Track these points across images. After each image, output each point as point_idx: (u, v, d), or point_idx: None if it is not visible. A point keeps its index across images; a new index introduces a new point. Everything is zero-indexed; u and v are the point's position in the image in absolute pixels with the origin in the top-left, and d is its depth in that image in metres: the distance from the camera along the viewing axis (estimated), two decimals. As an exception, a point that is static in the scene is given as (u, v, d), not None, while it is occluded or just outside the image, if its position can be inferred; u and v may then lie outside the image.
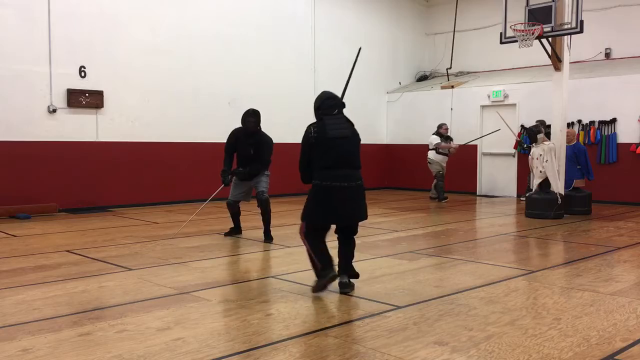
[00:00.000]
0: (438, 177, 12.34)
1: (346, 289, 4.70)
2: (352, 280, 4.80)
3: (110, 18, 10.43)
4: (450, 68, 15.20)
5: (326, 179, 4.62)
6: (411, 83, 16.15)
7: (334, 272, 4.62)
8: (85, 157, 10.19)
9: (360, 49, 5.89)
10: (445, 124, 12.75)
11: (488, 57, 14.75)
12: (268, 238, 7.27)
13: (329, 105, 4.82)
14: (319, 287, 4.62)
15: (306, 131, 4.75)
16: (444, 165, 12.43)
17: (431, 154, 12.43)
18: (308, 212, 4.71)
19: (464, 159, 13.77)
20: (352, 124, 4.91)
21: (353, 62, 5.60)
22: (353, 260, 4.86)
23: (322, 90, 5.09)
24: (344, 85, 5.80)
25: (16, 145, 9.46)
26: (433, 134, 12.61)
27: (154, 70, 10.97)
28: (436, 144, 12.34)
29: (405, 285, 5.00)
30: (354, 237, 4.88)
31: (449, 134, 12.79)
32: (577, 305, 4.34)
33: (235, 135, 7.48)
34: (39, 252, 6.43)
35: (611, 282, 5.12)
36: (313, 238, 4.71)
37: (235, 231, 7.76)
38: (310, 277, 5.24)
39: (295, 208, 10.75)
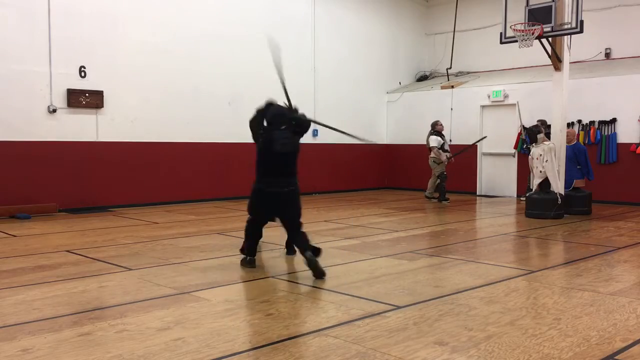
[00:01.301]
0: (442, 178, 12.23)
1: (312, 267, 5.22)
2: (315, 256, 5.32)
3: (110, 18, 10.42)
4: (450, 68, 15.20)
5: (263, 183, 5.53)
6: (411, 83, 16.15)
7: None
8: (85, 157, 10.19)
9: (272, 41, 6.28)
10: (439, 121, 12.58)
11: (488, 57, 14.75)
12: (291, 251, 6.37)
13: (278, 122, 5.64)
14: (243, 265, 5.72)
15: (259, 134, 5.65)
16: (446, 164, 12.42)
17: (433, 154, 12.34)
18: (250, 207, 5.80)
19: (464, 159, 13.77)
20: (296, 138, 5.68)
21: (278, 66, 6.38)
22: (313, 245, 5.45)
23: (272, 103, 5.89)
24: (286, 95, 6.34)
25: (16, 145, 9.46)
26: (431, 133, 12.47)
27: (154, 70, 10.97)
28: (432, 147, 12.23)
29: (405, 285, 5.00)
30: (298, 228, 5.59)
31: (443, 132, 12.65)
32: (577, 305, 4.34)
33: None
34: (39, 252, 6.43)
35: (611, 282, 5.12)
36: (252, 227, 5.79)
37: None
38: (310, 277, 5.25)
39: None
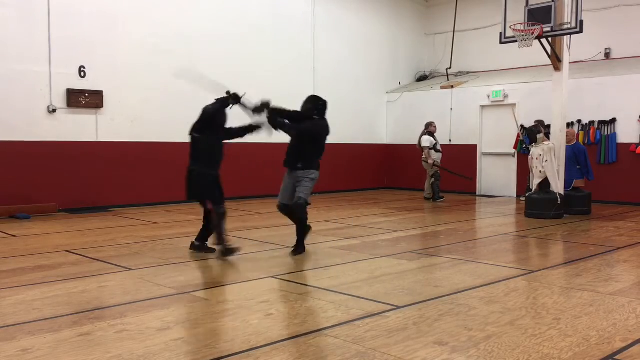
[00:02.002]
0: (436, 177, 12.34)
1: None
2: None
3: (110, 18, 10.42)
4: (450, 68, 15.19)
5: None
6: (411, 83, 16.15)
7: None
8: (85, 157, 10.18)
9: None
10: (433, 122, 12.65)
11: (488, 57, 14.75)
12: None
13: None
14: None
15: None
16: (439, 163, 12.46)
17: (431, 153, 12.39)
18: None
19: (464, 159, 13.77)
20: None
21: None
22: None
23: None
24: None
25: (16, 145, 9.46)
26: (423, 134, 12.53)
27: (154, 70, 10.97)
28: (424, 147, 12.29)
29: (405, 285, 5.00)
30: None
31: (435, 133, 12.70)
32: (577, 305, 4.34)
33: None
34: (39, 252, 6.43)
35: (611, 282, 5.12)
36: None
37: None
38: (310, 277, 5.25)
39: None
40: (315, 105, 6.55)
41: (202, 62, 11.69)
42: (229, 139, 6.68)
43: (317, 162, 6.47)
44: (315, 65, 13.74)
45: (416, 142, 12.98)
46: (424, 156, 12.40)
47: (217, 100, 6.48)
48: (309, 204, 6.43)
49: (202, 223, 6.57)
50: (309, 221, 6.49)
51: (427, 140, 12.32)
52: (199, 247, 6.49)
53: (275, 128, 6.44)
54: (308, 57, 13.61)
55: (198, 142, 6.39)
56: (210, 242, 6.40)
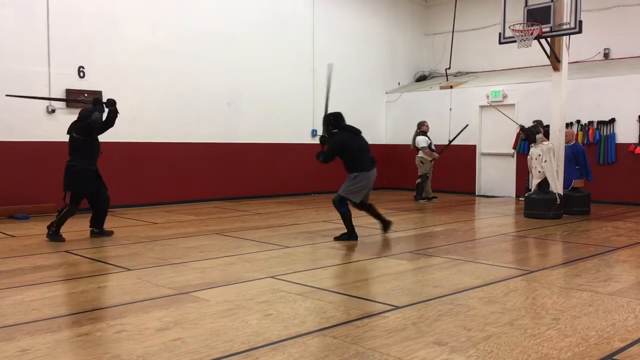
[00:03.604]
0: (423, 179, 12.36)
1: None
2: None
3: (109, 18, 10.42)
4: (449, 68, 15.20)
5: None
6: (410, 83, 16.15)
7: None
8: (84, 157, 10.17)
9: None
10: (426, 122, 12.66)
11: (487, 57, 14.76)
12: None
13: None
14: None
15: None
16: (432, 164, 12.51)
17: (422, 154, 12.43)
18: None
19: (463, 159, 13.78)
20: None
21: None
22: None
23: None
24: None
25: (15, 146, 9.46)
26: (417, 134, 12.55)
27: (154, 70, 10.97)
28: (422, 147, 12.33)
29: (404, 285, 5.00)
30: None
31: (428, 133, 12.74)
32: (576, 306, 4.35)
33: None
34: (38, 252, 6.43)
35: (610, 282, 5.13)
36: None
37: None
38: (309, 277, 5.25)
39: (296, 208, 10.77)
40: (328, 123, 7.41)
41: (202, 62, 11.71)
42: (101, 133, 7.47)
43: (359, 162, 7.29)
44: (314, 65, 13.74)
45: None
46: (421, 155, 12.41)
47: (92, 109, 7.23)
48: (353, 202, 7.23)
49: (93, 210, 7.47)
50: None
51: (424, 141, 12.37)
52: (98, 233, 7.43)
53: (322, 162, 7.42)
54: (307, 57, 13.62)
55: (78, 142, 7.21)
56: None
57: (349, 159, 7.28)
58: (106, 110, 7.26)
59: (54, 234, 7.13)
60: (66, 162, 7.20)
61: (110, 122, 7.39)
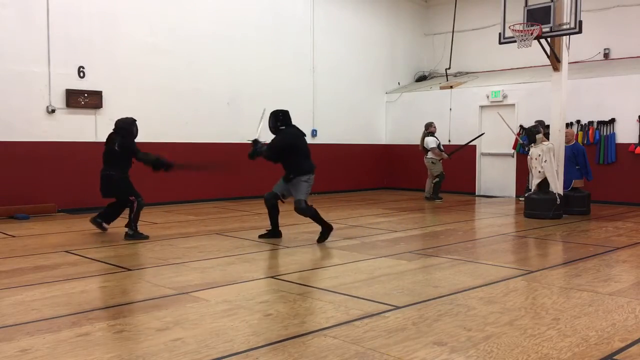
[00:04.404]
0: (441, 177, 12.39)
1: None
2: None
3: (109, 18, 10.42)
4: (449, 68, 15.19)
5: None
6: (410, 83, 16.15)
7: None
8: (84, 157, 10.16)
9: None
10: (433, 123, 12.71)
11: (487, 57, 14.76)
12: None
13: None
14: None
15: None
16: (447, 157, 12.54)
17: (432, 155, 12.44)
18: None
19: (463, 159, 13.77)
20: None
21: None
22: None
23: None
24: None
25: (15, 146, 9.46)
26: (425, 135, 12.57)
27: (153, 70, 10.97)
28: (432, 148, 12.36)
29: (404, 285, 5.00)
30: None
31: (436, 133, 12.77)
32: (576, 306, 4.35)
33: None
34: (38, 252, 6.43)
35: (610, 282, 5.13)
36: None
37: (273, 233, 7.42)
38: (309, 277, 5.25)
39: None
40: (276, 119, 7.15)
41: (202, 62, 11.71)
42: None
43: (306, 164, 7.08)
44: (314, 65, 13.74)
45: (416, 142, 13.02)
46: (431, 155, 12.42)
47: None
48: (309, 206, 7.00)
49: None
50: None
51: (433, 142, 12.42)
52: (103, 227, 7.76)
53: (255, 158, 7.24)
54: (307, 58, 13.62)
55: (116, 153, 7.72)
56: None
57: (298, 158, 7.04)
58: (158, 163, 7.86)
59: (135, 233, 7.34)
60: (108, 172, 7.58)
61: (151, 165, 7.87)
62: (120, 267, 5.70)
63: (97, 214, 7.83)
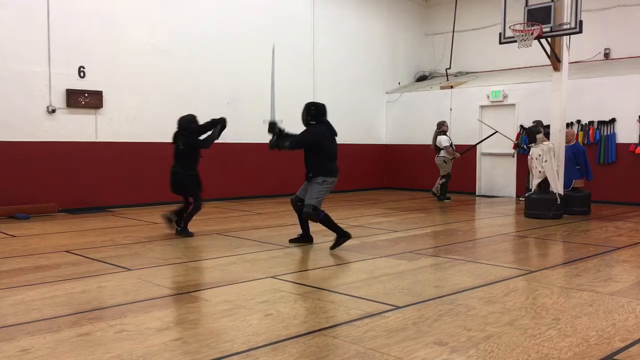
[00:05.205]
0: (447, 177, 12.39)
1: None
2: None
3: (110, 18, 10.42)
4: (449, 68, 15.20)
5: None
6: (410, 83, 16.15)
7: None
8: (85, 157, 10.18)
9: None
10: (445, 122, 12.74)
11: (487, 57, 14.76)
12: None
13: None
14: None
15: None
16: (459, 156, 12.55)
17: (445, 154, 12.40)
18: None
19: (464, 159, 13.75)
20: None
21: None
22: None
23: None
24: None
25: (15, 146, 9.46)
26: (438, 134, 12.54)
27: (153, 70, 10.97)
28: (445, 147, 12.33)
29: (405, 285, 5.00)
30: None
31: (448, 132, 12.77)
32: (576, 305, 4.34)
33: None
34: (38, 252, 6.43)
35: (610, 282, 5.12)
36: None
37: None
38: (309, 277, 5.25)
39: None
40: (308, 112, 6.74)
41: (202, 62, 11.71)
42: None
43: (328, 166, 6.61)
44: (314, 65, 13.74)
45: (416, 142, 13.01)
46: (444, 154, 12.39)
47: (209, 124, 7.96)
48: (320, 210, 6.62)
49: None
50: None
51: (446, 140, 12.38)
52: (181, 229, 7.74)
53: (280, 149, 6.75)
54: (307, 58, 13.61)
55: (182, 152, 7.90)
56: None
57: (320, 158, 6.60)
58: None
59: (184, 230, 7.61)
60: (175, 169, 7.92)
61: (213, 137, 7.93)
62: (120, 267, 5.70)
63: (171, 211, 7.94)
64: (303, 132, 6.71)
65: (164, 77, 11.12)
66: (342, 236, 6.62)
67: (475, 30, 15.01)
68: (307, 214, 6.57)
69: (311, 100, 13.60)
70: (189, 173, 7.77)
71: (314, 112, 6.70)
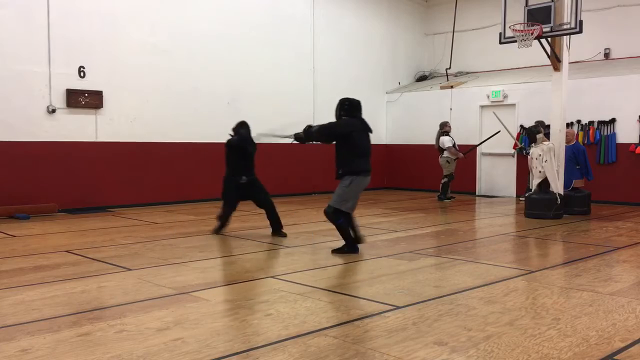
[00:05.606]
0: (450, 178, 12.39)
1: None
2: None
3: (110, 18, 10.42)
4: (449, 68, 15.20)
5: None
6: (410, 83, 16.15)
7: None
8: (85, 157, 10.18)
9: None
10: (448, 122, 12.74)
11: (487, 57, 14.75)
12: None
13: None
14: None
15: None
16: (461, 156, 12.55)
17: (448, 153, 12.41)
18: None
19: (464, 159, 13.77)
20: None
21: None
22: None
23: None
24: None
25: (15, 146, 9.46)
26: (441, 134, 12.55)
27: (154, 70, 10.97)
28: (448, 147, 12.34)
29: (405, 285, 5.00)
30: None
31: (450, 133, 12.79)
32: (577, 305, 4.34)
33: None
34: (38, 252, 6.43)
35: (610, 282, 5.12)
36: None
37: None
38: (309, 277, 5.25)
39: (296, 208, 10.76)
40: (341, 108, 6.47)
41: (202, 62, 11.71)
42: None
43: (359, 163, 6.22)
44: (314, 65, 13.74)
45: (416, 142, 13.00)
46: (447, 154, 12.39)
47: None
48: (343, 212, 6.28)
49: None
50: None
51: (449, 141, 12.40)
52: (276, 232, 7.65)
53: (305, 140, 6.57)
54: (307, 58, 13.61)
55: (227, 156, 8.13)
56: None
57: (349, 153, 6.21)
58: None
59: (217, 230, 7.77)
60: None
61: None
62: (120, 267, 5.70)
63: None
64: (333, 121, 6.38)
65: (163, 77, 11.13)
66: (351, 249, 6.34)
67: (475, 30, 15.01)
68: (326, 214, 6.30)
69: (311, 100, 13.82)
70: (225, 177, 7.97)
71: (347, 108, 6.42)
